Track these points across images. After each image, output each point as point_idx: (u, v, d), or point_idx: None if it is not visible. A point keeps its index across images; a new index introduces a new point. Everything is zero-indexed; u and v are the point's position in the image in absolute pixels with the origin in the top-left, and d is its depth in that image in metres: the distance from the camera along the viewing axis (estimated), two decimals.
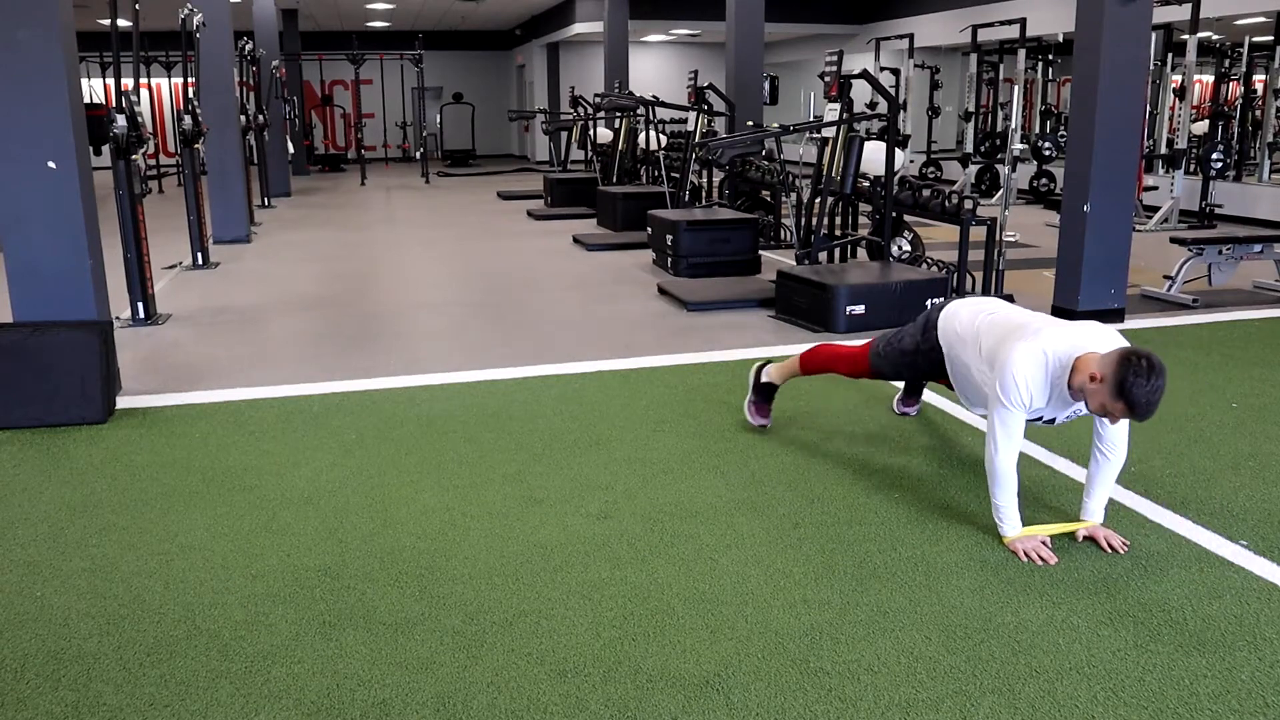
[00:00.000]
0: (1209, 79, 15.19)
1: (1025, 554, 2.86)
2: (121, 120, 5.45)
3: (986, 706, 2.19)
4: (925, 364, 3.49)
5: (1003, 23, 12.36)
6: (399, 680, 2.30)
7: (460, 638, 2.47)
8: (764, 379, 3.94)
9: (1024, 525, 2.98)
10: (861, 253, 7.43)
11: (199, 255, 8.10)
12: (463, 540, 3.02)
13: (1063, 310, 5.90)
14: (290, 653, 2.41)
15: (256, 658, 2.39)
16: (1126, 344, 2.83)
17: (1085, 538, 2.97)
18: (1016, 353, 2.85)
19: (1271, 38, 11.59)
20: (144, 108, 5.96)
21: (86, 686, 2.28)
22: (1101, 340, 2.87)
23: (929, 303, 3.47)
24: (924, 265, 7.08)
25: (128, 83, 5.67)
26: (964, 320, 3.26)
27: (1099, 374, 2.69)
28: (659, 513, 3.20)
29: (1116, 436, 2.94)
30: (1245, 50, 12.63)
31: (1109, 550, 2.91)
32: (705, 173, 10.80)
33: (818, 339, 5.53)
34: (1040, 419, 2.98)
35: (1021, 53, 12.22)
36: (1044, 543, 2.90)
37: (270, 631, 2.51)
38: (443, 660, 2.38)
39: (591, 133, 13.07)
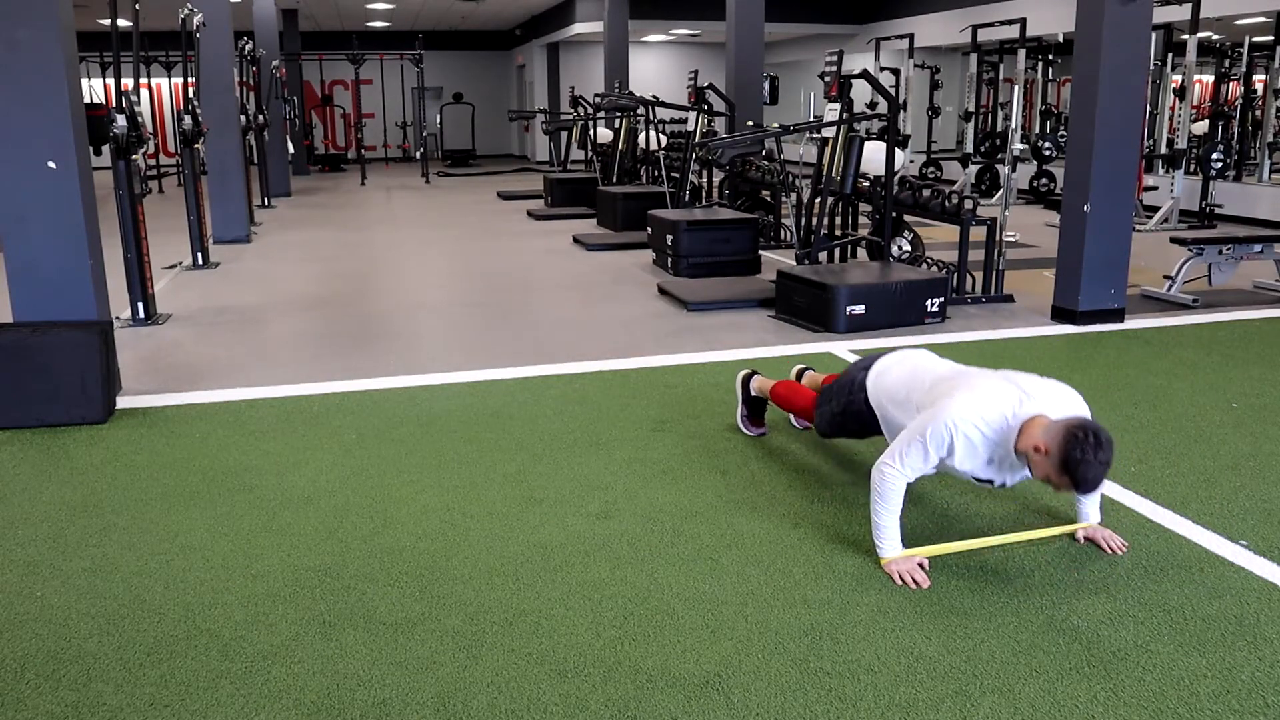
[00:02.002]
0: (1209, 79, 15.19)
1: (899, 576, 2.72)
2: (121, 120, 5.45)
3: (986, 706, 2.19)
4: (854, 424, 3.30)
5: (1003, 23, 12.36)
6: (399, 680, 2.30)
7: (460, 638, 2.47)
8: (753, 393, 3.87)
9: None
10: (861, 253, 7.43)
11: (199, 255, 8.10)
12: (463, 540, 3.02)
13: (1063, 310, 5.91)
14: (290, 653, 2.41)
15: (256, 658, 2.39)
16: (1078, 410, 2.71)
17: (1086, 539, 2.95)
18: (953, 405, 2.70)
19: (1271, 38, 11.60)
20: (144, 108, 5.96)
21: (86, 686, 2.28)
22: (1054, 402, 2.70)
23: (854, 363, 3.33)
24: (924, 265, 7.08)
25: (128, 83, 5.67)
26: (897, 378, 3.09)
27: (1044, 446, 2.55)
28: (659, 513, 3.20)
29: None
30: (1245, 50, 12.63)
31: (1109, 551, 2.89)
32: (705, 173, 10.80)
33: (818, 339, 5.53)
34: (990, 482, 2.81)
35: (1021, 53, 12.22)
36: (921, 565, 2.75)
37: (270, 631, 2.51)
38: (443, 660, 2.38)
39: (591, 133, 13.07)
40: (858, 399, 3.22)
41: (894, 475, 2.77)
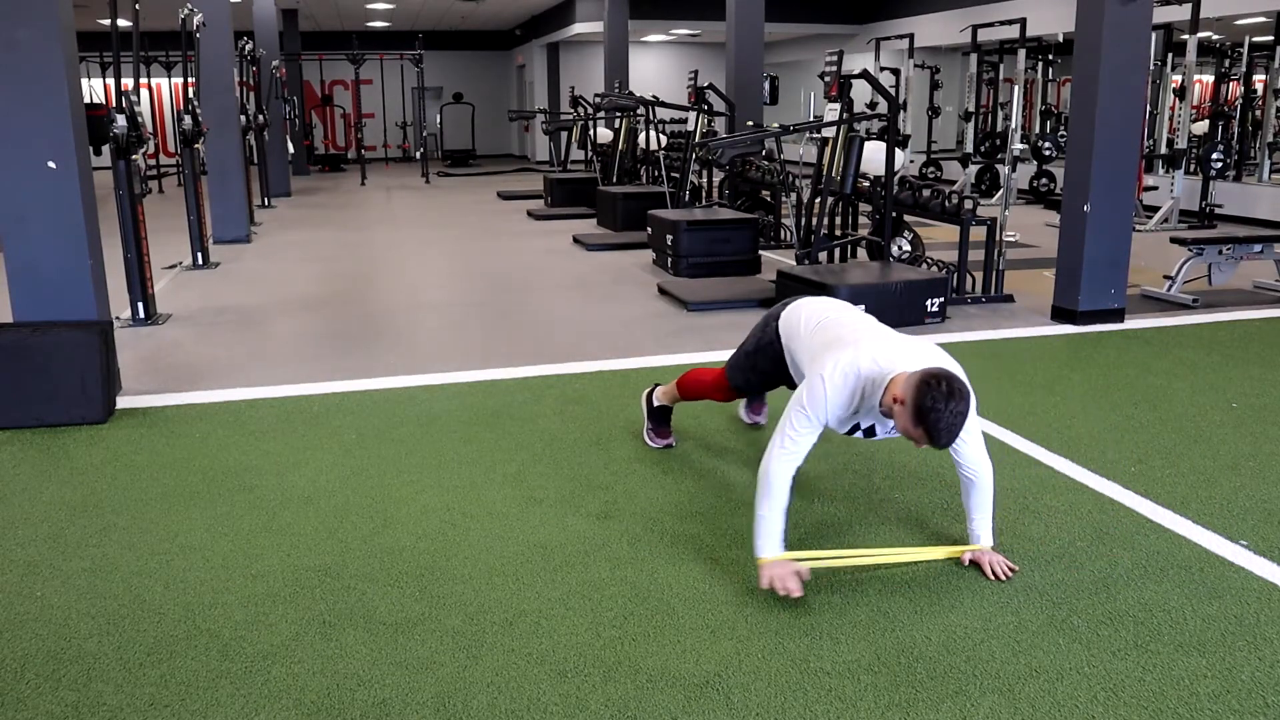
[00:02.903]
0: (1209, 79, 15.19)
1: (771, 582, 2.59)
2: (121, 120, 5.45)
3: (986, 706, 2.19)
4: (766, 362, 3.28)
5: (1003, 23, 12.36)
6: (399, 680, 2.30)
7: (460, 638, 2.48)
8: (656, 403, 3.79)
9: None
10: (861, 253, 7.43)
11: (199, 255, 8.10)
12: (463, 540, 3.02)
13: (1063, 310, 5.91)
14: (290, 653, 2.41)
15: (256, 658, 2.39)
16: (943, 362, 2.66)
17: (970, 562, 2.81)
18: (829, 362, 2.68)
19: (1271, 38, 11.59)
20: (144, 108, 5.96)
21: (86, 686, 2.28)
22: (921, 357, 2.66)
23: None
24: (924, 265, 7.08)
25: (128, 83, 5.67)
26: (804, 317, 3.10)
27: (901, 396, 2.49)
28: (659, 513, 3.20)
29: (971, 455, 2.76)
30: (1245, 50, 12.63)
31: (992, 577, 2.74)
32: (705, 173, 10.80)
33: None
34: (858, 428, 2.79)
35: (1021, 53, 12.22)
36: (798, 573, 2.62)
37: (270, 631, 2.51)
38: (443, 660, 2.38)
39: (591, 133, 13.07)
40: (770, 329, 3.24)
41: (779, 459, 2.67)
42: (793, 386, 3.17)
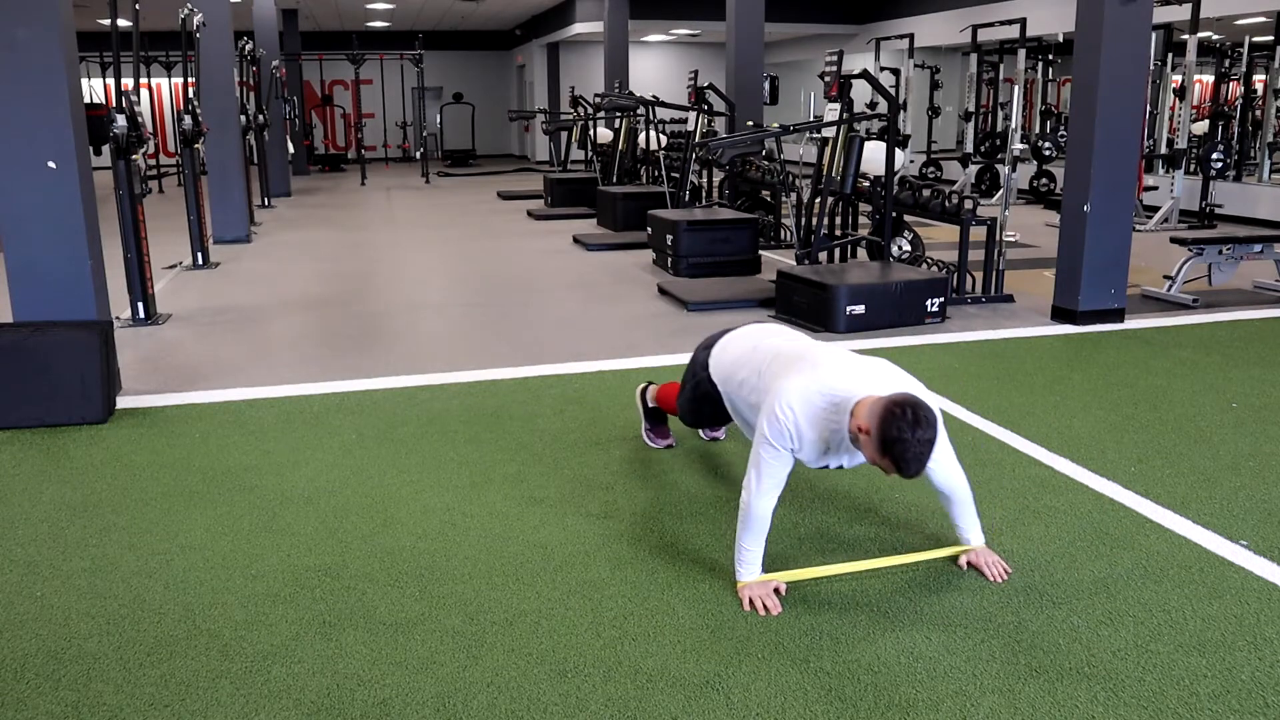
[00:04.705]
0: (1209, 79, 15.18)
1: (751, 602, 2.58)
2: (121, 120, 5.45)
3: (986, 706, 2.19)
4: (709, 406, 3.17)
5: (1003, 23, 12.36)
6: (399, 680, 2.30)
7: (460, 638, 2.47)
8: (651, 404, 3.74)
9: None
10: (861, 253, 7.43)
11: (199, 255, 8.10)
12: (463, 540, 3.02)
13: (1063, 310, 5.91)
14: (290, 653, 2.41)
15: (256, 658, 2.39)
16: (908, 387, 2.57)
17: (968, 565, 2.79)
18: (787, 387, 2.58)
19: (1271, 38, 11.59)
20: (144, 108, 5.96)
21: (86, 686, 2.28)
22: (881, 381, 2.56)
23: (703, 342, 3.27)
24: (924, 265, 7.08)
25: (128, 83, 5.67)
26: (736, 355, 2.99)
27: (866, 425, 2.41)
28: (659, 512, 3.20)
29: (944, 475, 2.69)
30: (1245, 50, 12.63)
31: (991, 578, 2.72)
32: (705, 173, 10.80)
33: (817, 339, 5.52)
34: (827, 466, 2.70)
35: (1021, 53, 12.22)
36: (777, 590, 2.63)
37: (270, 631, 2.51)
38: (443, 660, 2.38)
39: (591, 133, 13.07)
40: (702, 379, 3.13)
41: (759, 495, 2.61)
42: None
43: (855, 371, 2.61)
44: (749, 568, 2.66)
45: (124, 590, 2.72)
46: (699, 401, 3.21)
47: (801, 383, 2.59)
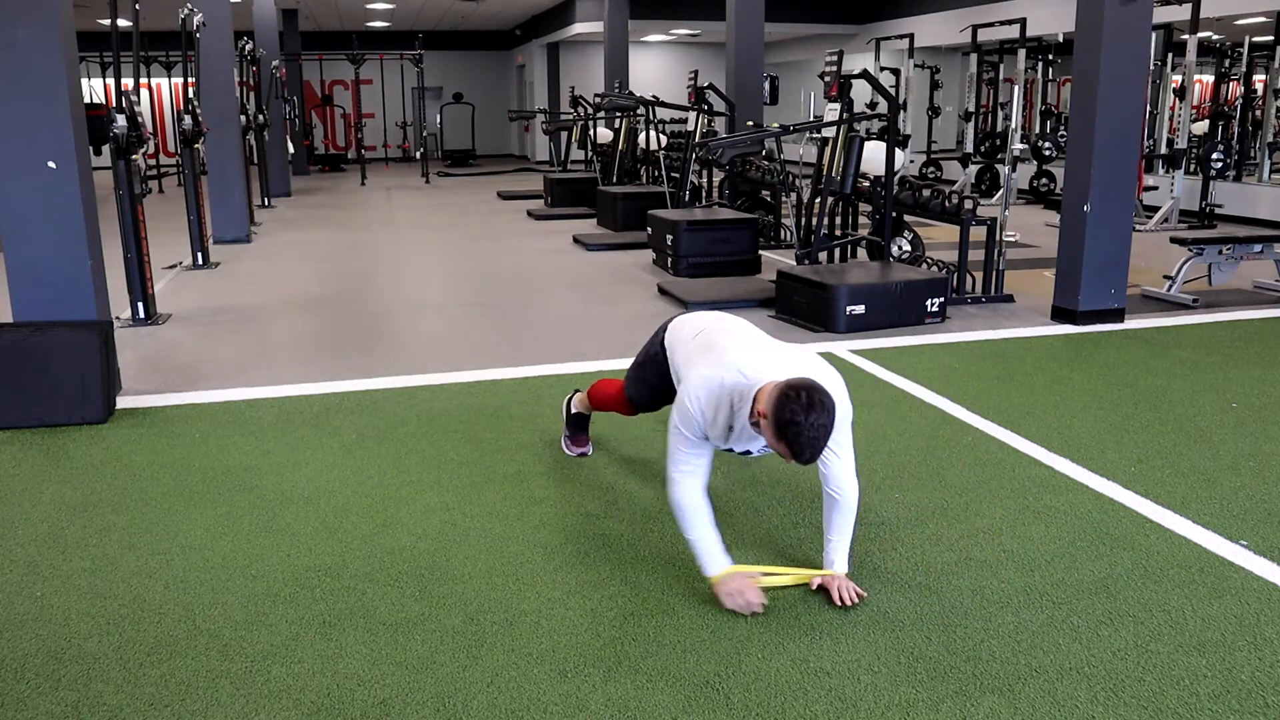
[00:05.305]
0: (1209, 79, 15.19)
1: (730, 597, 2.53)
2: (121, 120, 5.45)
3: (986, 706, 2.19)
4: (653, 375, 3.14)
5: (1003, 23, 12.36)
6: (399, 680, 2.30)
7: (460, 638, 2.47)
8: (574, 410, 3.70)
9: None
10: (861, 253, 7.43)
11: (199, 255, 8.10)
12: (463, 540, 3.02)
13: (1063, 310, 5.91)
14: (290, 653, 2.41)
15: (256, 658, 2.39)
16: (815, 372, 2.51)
17: (819, 587, 2.67)
18: (693, 375, 2.58)
19: (1271, 38, 11.60)
20: (144, 108, 5.96)
21: (86, 686, 2.28)
22: (791, 367, 2.50)
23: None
24: (924, 265, 7.08)
25: (128, 83, 5.67)
26: (687, 330, 2.96)
27: (763, 410, 2.35)
28: (659, 512, 3.19)
29: (838, 472, 2.62)
30: (1245, 50, 12.63)
31: (839, 602, 2.59)
32: (705, 173, 10.80)
33: (818, 339, 5.53)
34: (732, 450, 2.67)
35: (1021, 53, 12.22)
36: (754, 578, 2.58)
37: (270, 631, 2.51)
38: (443, 660, 2.38)
39: (591, 133, 13.07)
40: (658, 338, 3.13)
41: (681, 484, 2.59)
42: None
43: (767, 359, 2.55)
44: (712, 559, 2.59)
45: (124, 590, 2.72)
46: (646, 368, 3.17)
47: (706, 370, 2.57)
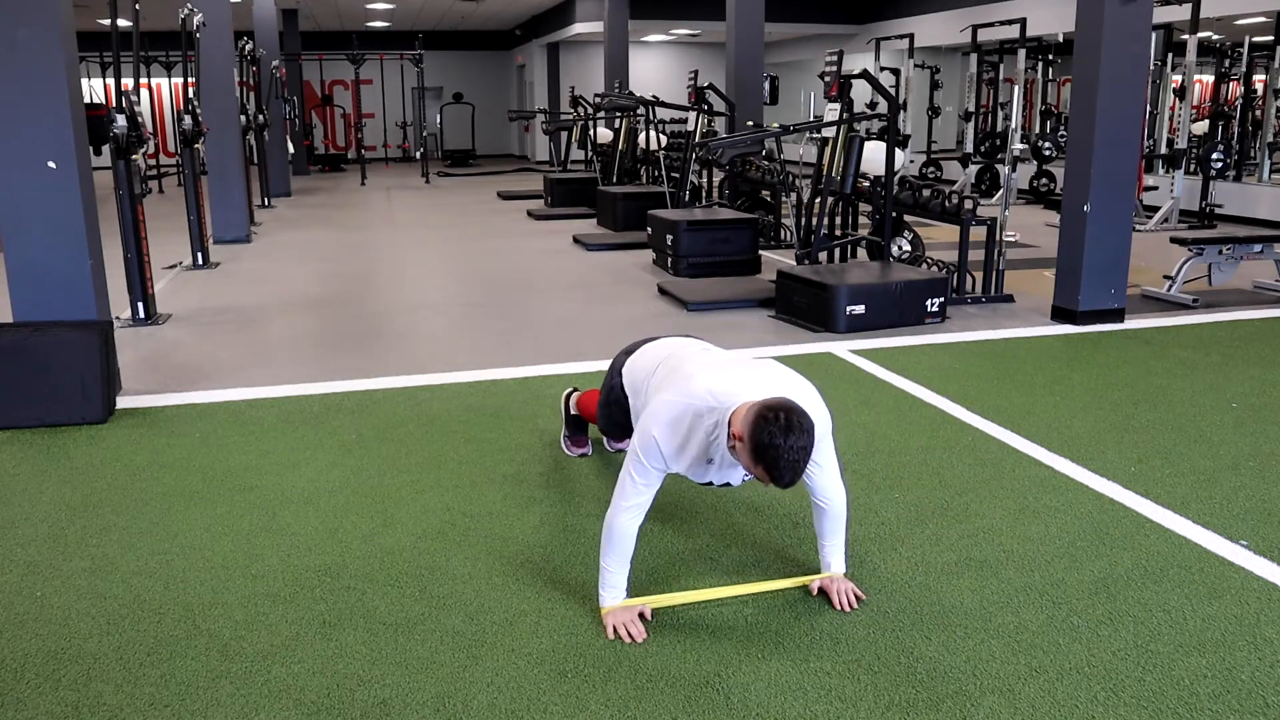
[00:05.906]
0: (1209, 79, 15.19)
1: (614, 629, 2.46)
2: (121, 120, 5.45)
3: (986, 706, 2.19)
4: (619, 414, 3.05)
5: (1003, 23, 12.36)
6: (399, 680, 2.30)
7: (460, 638, 2.47)
8: (573, 411, 3.67)
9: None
10: (861, 253, 7.43)
11: (199, 255, 8.10)
12: (463, 540, 3.02)
13: (1063, 310, 5.91)
14: (290, 653, 2.41)
15: (256, 658, 2.39)
16: (793, 393, 2.40)
17: (819, 590, 2.65)
18: (659, 401, 2.47)
19: (1271, 38, 11.60)
20: (144, 108, 5.96)
21: (86, 686, 2.28)
22: (763, 386, 2.39)
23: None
24: (924, 265, 7.08)
25: (128, 83, 5.67)
26: (642, 369, 2.87)
27: (739, 433, 2.26)
28: (658, 512, 3.19)
29: (824, 484, 2.57)
30: (1245, 50, 12.63)
31: (839, 607, 2.58)
32: (705, 173, 10.80)
33: (818, 339, 5.53)
34: (711, 483, 2.59)
35: (1021, 53, 12.23)
36: (642, 614, 2.50)
37: (270, 631, 2.51)
38: (443, 660, 2.38)
39: (591, 133, 13.07)
40: (616, 384, 3.03)
41: (621, 513, 2.48)
42: None
43: (737, 379, 2.44)
44: (612, 591, 2.52)
45: (124, 590, 2.72)
46: (610, 407, 3.10)
47: (671, 397, 2.46)
